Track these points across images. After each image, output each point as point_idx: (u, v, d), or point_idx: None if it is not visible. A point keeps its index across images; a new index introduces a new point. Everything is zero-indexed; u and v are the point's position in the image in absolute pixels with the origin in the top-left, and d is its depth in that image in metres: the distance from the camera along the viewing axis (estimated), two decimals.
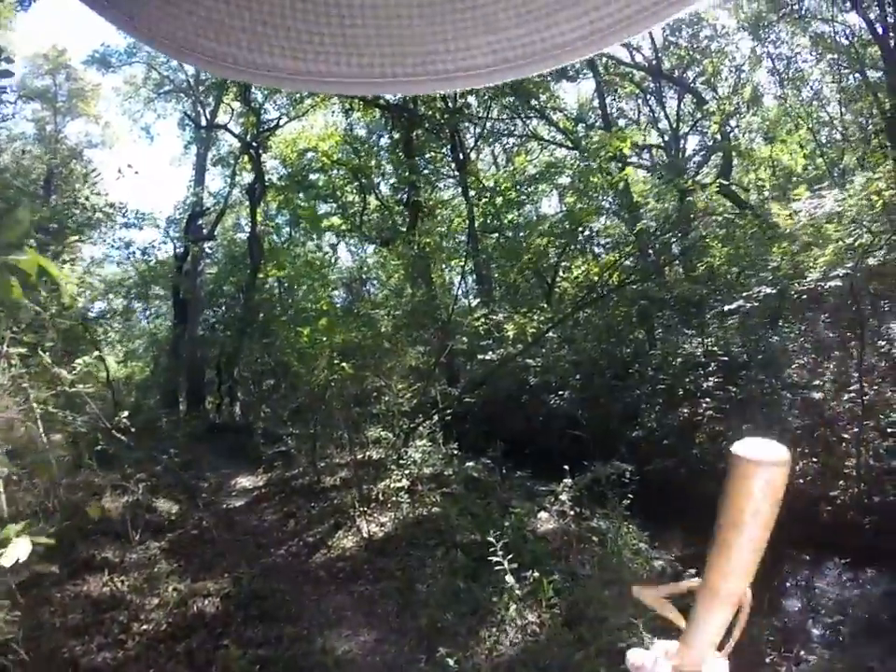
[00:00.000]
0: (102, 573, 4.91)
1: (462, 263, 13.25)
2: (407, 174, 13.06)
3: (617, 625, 3.74)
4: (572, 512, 5.83)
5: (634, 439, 8.31)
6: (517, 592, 4.05)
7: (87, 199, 10.35)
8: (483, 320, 11.22)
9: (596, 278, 10.18)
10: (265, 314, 13.16)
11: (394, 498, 6.59)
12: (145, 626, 4.26)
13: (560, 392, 9.16)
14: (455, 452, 8.03)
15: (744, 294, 7.98)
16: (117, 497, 6.44)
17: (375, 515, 6.49)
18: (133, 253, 11.91)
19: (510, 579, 4.04)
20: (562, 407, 9.01)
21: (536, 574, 4.13)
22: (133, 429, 6.42)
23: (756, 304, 7.70)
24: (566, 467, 6.02)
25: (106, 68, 14.91)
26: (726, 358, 8.33)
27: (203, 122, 16.07)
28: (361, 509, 6.33)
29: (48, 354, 4.75)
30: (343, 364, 7.80)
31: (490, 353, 10.36)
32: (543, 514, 6.12)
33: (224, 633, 4.21)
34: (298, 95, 14.84)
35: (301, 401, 10.18)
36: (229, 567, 5.49)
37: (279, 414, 10.83)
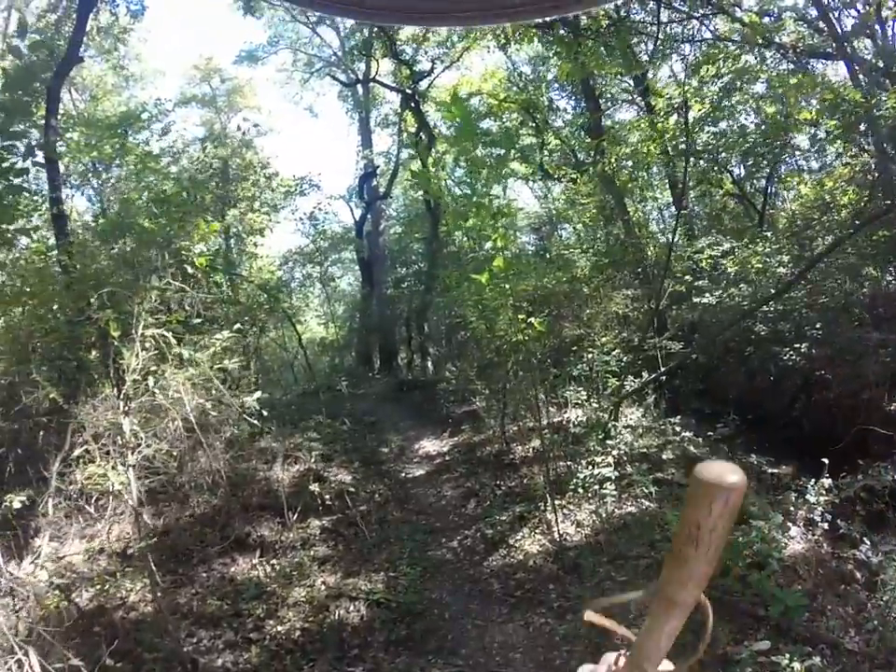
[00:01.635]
0: (253, 554, 4.69)
1: (656, 196, 12.26)
2: (584, 100, 11.73)
3: None
4: (825, 525, 4.15)
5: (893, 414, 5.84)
6: None
7: (262, 181, 11.11)
8: (706, 254, 9.23)
9: (828, 198, 8.42)
10: (450, 265, 12.75)
11: (596, 487, 5.19)
12: (278, 628, 3.80)
13: (795, 345, 7.12)
14: (675, 425, 6.26)
15: None
16: (288, 467, 6.39)
17: (571, 508, 5.20)
18: (304, 221, 12.47)
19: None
20: (798, 363, 6.98)
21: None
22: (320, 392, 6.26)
23: None
24: (824, 460, 4.26)
25: (255, 63, 16.04)
26: None
27: (359, 89, 16.20)
28: (555, 501, 5.08)
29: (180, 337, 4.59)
30: (532, 319, 6.61)
31: (707, 295, 8.47)
32: (792, 528, 4.18)
33: (359, 657, 3.50)
34: (448, 42, 14.22)
35: (490, 358, 9.46)
36: (389, 558, 4.88)
37: (466, 372, 10.21)
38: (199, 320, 5.27)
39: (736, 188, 10.61)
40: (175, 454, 4.77)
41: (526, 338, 6.51)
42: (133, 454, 3.91)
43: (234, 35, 43.59)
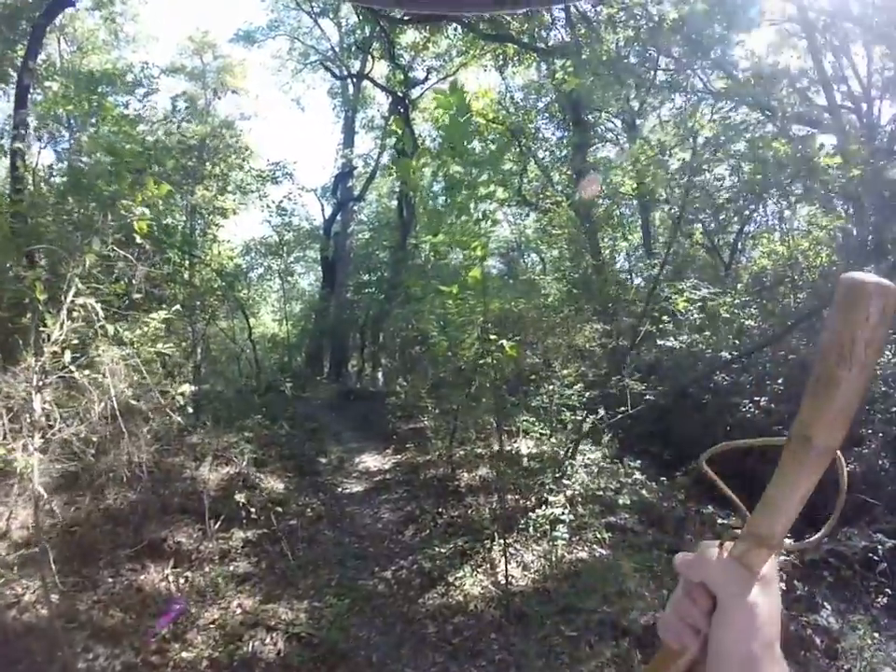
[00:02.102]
0: (166, 563, 4.19)
1: (627, 236, 12.89)
2: (570, 132, 12.21)
3: None
4: (783, 585, 4.04)
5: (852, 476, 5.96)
6: None
7: (232, 158, 10.69)
8: (684, 296, 9.47)
9: (800, 257, 8.79)
10: (415, 276, 12.50)
11: (546, 527, 4.97)
12: (184, 654, 3.35)
13: (756, 398, 7.09)
14: (635, 467, 6.19)
15: None
16: (217, 468, 5.87)
17: (518, 548, 4.95)
18: (272, 209, 11.91)
19: None
20: (757, 417, 6.90)
21: None
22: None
23: None
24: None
25: (251, 44, 15.74)
26: None
27: (350, 88, 15.95)
28: (501, 540, 4.81)
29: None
30: (503, 342, 6.39)
31: (671, 339, 8.61)
32: None
33: None
34: (447, 54, 14.55)
35: (444, 376, 9.20)
36: (315, 584, 4.47)
37: (417, 388, 9.90)
38: (140, 296, 4.77)
39: (707, 239, 10.91)
40: (94, 439, 4.24)
41: (494, 361, 6.28)
42: (40, 434, 3.40)
43: (235, 14, 42.53)
